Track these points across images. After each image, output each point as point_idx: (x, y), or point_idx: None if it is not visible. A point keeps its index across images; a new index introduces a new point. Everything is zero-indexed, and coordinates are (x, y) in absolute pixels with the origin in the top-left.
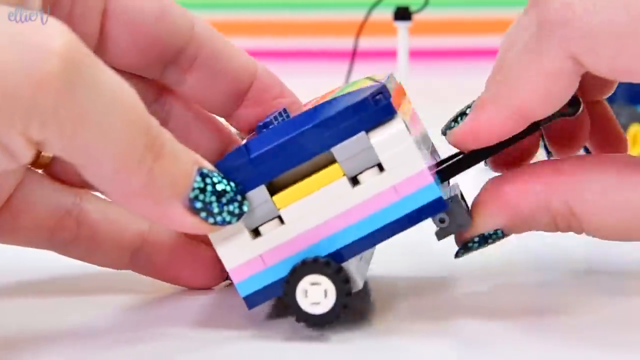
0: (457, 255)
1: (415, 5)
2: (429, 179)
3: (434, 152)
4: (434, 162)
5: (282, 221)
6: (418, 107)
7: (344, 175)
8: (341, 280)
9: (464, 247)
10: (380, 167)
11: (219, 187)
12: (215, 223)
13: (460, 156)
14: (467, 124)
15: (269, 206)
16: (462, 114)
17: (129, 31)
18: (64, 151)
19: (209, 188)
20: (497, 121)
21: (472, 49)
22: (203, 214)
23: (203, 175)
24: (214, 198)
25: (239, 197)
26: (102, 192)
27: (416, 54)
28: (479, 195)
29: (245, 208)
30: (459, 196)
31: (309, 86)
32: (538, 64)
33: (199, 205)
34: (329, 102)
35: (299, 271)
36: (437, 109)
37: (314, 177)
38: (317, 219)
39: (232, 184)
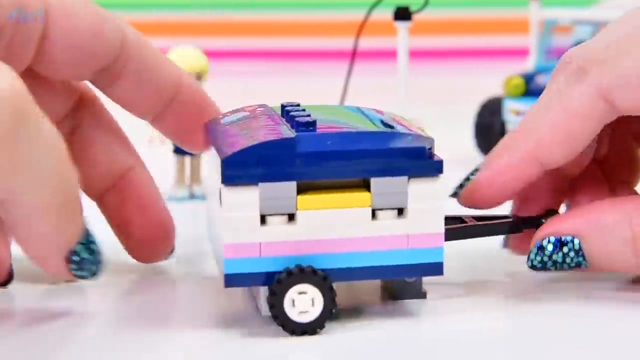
0: (531, 264)
1: (415, 5)
2: (441, 242)
3: None
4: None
5: (293, 220)
6: (418, 107)
7: (370, 205)
8: (328, 288)
9: (539, 248)
10: (400, 211)
11: (93, 247)
12: (76, 276)
13: (479, 222)
14: (480, 174)
15: (290, 202)
16: (471, 174)
17: (66, 49)
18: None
19: (91, 247)
20: (512, 165)
21: (472, 49)
22: (74, 267)
23: (88, 234)
24: (87, 255)
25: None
26: (9, 229)
27: (416, 54)
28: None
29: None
30: None
31: (309, 86)
32: (565, 105)
33: (76, 258)
34: (387, 134)
35: (285, 282)
36: (437, 109)
37: (343, 195)
38: (328, 233)
39: (93, 247)
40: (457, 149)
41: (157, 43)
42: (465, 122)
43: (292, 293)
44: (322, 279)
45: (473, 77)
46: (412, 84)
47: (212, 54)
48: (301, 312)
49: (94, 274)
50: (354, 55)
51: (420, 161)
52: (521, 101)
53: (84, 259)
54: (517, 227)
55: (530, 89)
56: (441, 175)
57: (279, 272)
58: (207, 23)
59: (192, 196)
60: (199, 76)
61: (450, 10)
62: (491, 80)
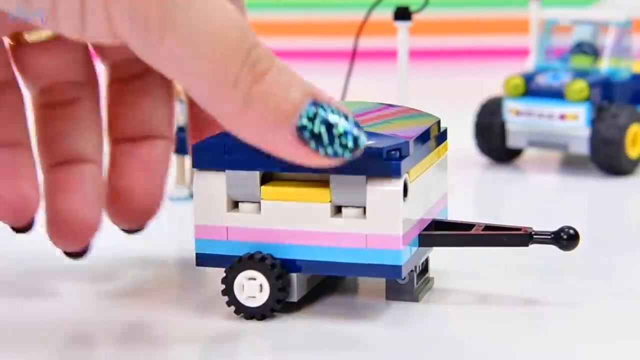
0: None
1: (415, 5)
2: (398, 245)
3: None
4: (423, 220)
5: (259, 208)
6: (418, 107)
7: (330, 202)
8: (275, 277)
9: None
10: (365, 211)
11: (332, 119)
12: (327, 155)
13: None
14: None
15: (254, 191)
16: None
17: None
18: (154, 58)
19: (320, 118)
20: None
21: (472, 49)
22: (313, 145)
23: (316, 105)
24: (323, 129)
25: (354, 131)
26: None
27: (416, 54)
28: None
29: (361, 142)
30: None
31: None
32: None
33: (306, 134)
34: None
35: (235, 267)
36: (437, 109)
37: (305, 190)
38: (289, 225)
39: (351, 117)
40: (457, 149)
41: None
42: (465, 122)
43: (241, 278)
44: (269, 267)
45: (473, 77)
46: (412, 84)
47: None
48: (249, 297)
49: (349, 148)
50: (354, 55)
51: (378, 161)
52: (521, 101)
53: (319, 133)
54: (524, 241)
55: (530, 89)
56: (401, 178)
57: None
58: None
59: (192, 196)
60: None
61: (450, 10)
62: (491, 80)
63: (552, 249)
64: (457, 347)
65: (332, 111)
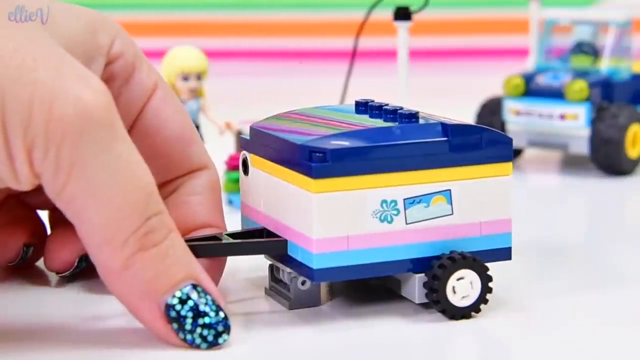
0: None
1: (415, 5)
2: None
3: None
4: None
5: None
6: (418, 107)
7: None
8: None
9: None
10: None
11: (202, 308)
12: (185, 340)
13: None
14: None
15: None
16: None
17: None
18: (56, 197)
19: (190, 303)
20: None
21: (472, 49)
22: (174, 325)
23: (193, 289)
24: (190, 314)
25: (219, 327)
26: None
27: (416, 54)
28: None
29: (221, 340)
30: None
31: (309, 86)
32: None
33: (172, 314)
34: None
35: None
36: (437, 109)
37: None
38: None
39: (221, 314)
40: None
41: (157, 43)
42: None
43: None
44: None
45: (473, 77)
46: (412, 84)
47: (212, 54)
48: None
49: (208, 342)
50: (354, 55)
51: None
52: (521, 101)
53: (184, 317)
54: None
55: (530, 89)
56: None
57: None
58: (207, 23)
59: None
60: (199, 76)
61: (450, 10)
62: (491, 80)
63: (552, 249)
64: (456, 348)
65: (206, 302)
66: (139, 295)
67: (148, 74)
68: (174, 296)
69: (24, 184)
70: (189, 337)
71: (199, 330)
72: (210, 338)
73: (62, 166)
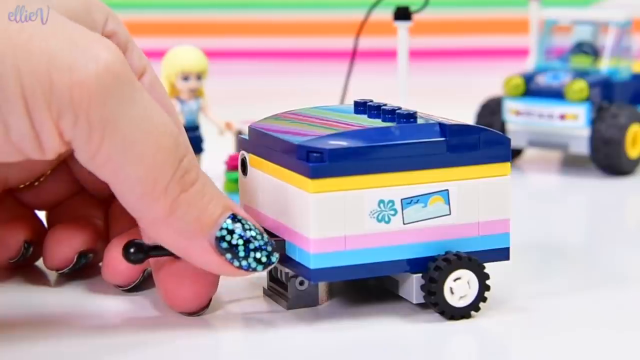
0: None
1: (415, 5)
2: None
3: None
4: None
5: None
6: (418, 107)
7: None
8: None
9: None
10: None
11: (249, 234)
12: (240, 267)
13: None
14: None
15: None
16: None
17: None
18: (91, 161)
19: (238, 232)
20: None
21: (472, 49)
22: (228, 256)
23: (234, 219)
24: (241, 242)
25: (268, 247)
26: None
27: (416, 54)
28: None
29: (274, 259)
30: None
31: (309, 86)
32: None
33: (224, 246)
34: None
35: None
36: (437, 109)
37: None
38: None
39: (265, 235)
40: None
41: (157, 43)
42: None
43: None
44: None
45: (473, 77)
46: (412, 84)
47: (212, 54)
48: None
49: (262, 263)
50: (354, 55)
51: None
52: (521, 101)
53: (236, 246)
54: None
55: (530, 89)
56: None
57: None
58: (207, 23)
59: None
60: (199, 76)
61: (450, 10)
62: (491, 80)
63: (552, 249)
64: (457, 348)
65: (250, 227)
66: (188, 235)
67: (139, 58)
68: (221, 228)
69: (49, 154)
70: (244, 263)
71: (252, 254)
72: (264, 259)
73: (94, 128)
